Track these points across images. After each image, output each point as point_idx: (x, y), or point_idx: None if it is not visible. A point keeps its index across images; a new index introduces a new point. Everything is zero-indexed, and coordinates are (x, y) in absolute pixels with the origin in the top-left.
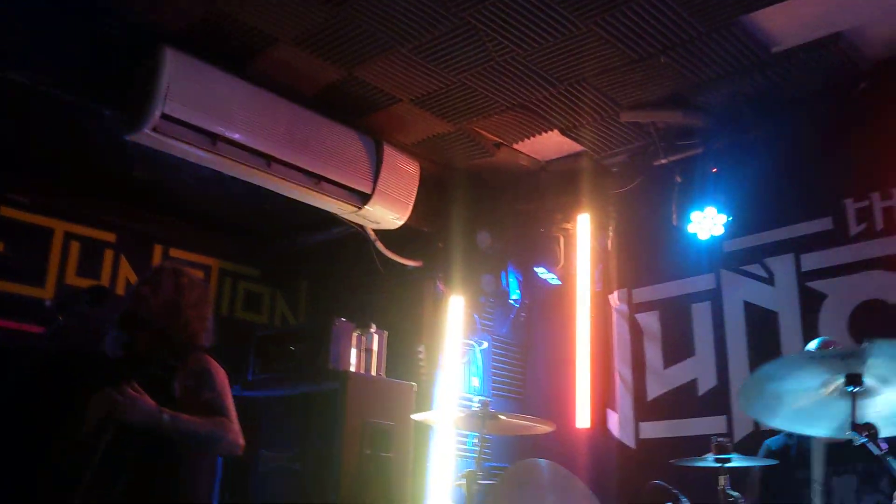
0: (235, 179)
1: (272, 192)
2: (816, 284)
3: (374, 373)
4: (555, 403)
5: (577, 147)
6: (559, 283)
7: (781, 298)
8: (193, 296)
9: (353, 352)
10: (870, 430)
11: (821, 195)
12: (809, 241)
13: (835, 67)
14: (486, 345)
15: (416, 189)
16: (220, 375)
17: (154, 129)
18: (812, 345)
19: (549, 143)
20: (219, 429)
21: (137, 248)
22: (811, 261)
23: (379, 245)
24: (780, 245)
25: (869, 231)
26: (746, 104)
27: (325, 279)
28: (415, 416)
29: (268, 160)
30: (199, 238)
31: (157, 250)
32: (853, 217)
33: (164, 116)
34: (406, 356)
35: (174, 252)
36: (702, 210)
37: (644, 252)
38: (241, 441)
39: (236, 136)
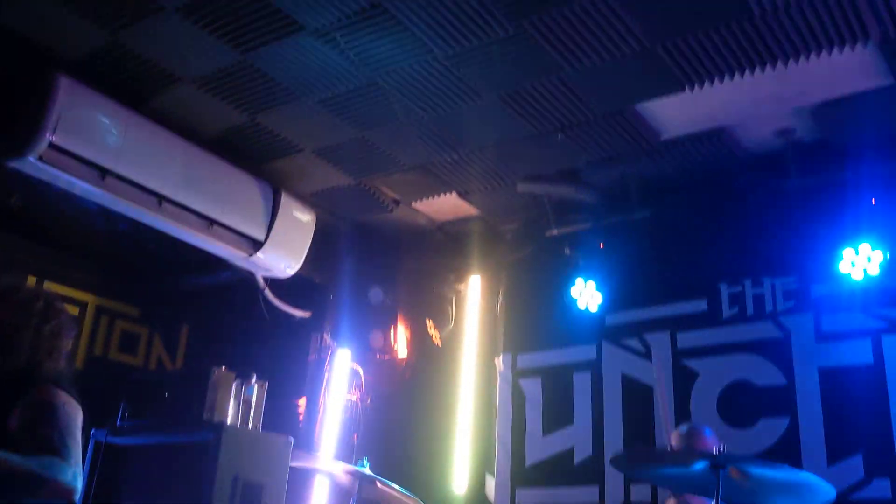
0: (121, 215)
1: (159, 230)
2: (690, 362)
3: (251, 425)
4: (434, 465)
5: (473, 211)
6: (439, 344)
7: (657, 373)
8: (50, 325)
9: (231, 402)
10: None
11: (697, 278)
12: (685, 321)
13: (716, 159)
14: (368, 401)
15: (310, 239)
16: (68, 412)
17: (40, 158)
18: (681, 430)
19: (447, 205)
20: (46, 470)
21: (9, 279)
22: (686, 339)
23: (268, 293)
24: (658, 322)
25: (740, 315)
26: (634, 186)
27: (208, 324)
28: (292, 464)
29: (159, 199)
30: (77, 272)
31: (31, 282)
32: (726, 301)
33: (52, 146)
34: (286, 409)
35: (49, 285)
36: (587, 282)
37: (531, 319)
38: (76, 486)
39: (127, 173)
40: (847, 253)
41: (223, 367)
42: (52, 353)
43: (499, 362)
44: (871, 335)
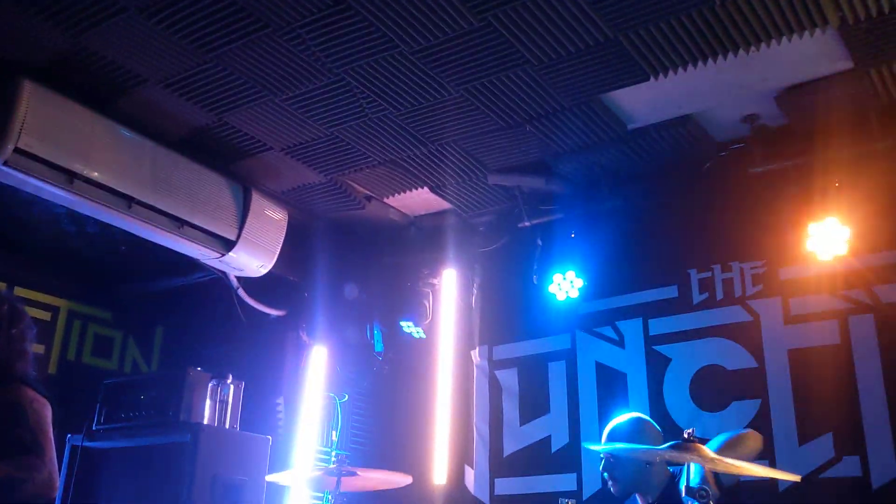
0: (90, 218)
1: (129, 232)
2: (662, 348)
3: (227, 425)
4: (413, 458)
5: (445, 205)
6: (423, 337)
7: (630, 360)
8: (17, 328)
9: (207, 403)
10: (701, 493)
11: (668, 264)
12: (657, 307)
13: (684, 146)
14: (346, 398)
15: (282, 237)
16: (37, 409)
17: (5, 163)
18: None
19: (419, 200)
20: (21, 472)
21: None
22: (658, 326)
23: (241, 293)
24: (630, 309)
25: (710, 300)
26: (603, 175)
27: (183, 326)
28: (269, 477)
29: (129, 201)
30: (47, 277)
31: (1, 287)
32: (696, 286)
33: (18, 150)
34: (264, 408)
35: (19, 291)
36: (560, 273)
37: (505, 310)
38: (54, 485)
39: (95, 175)
40: (815, 229)
41: (198, 369)
42: (21, 354)
43: (475, 354)
44: (837, 316)
